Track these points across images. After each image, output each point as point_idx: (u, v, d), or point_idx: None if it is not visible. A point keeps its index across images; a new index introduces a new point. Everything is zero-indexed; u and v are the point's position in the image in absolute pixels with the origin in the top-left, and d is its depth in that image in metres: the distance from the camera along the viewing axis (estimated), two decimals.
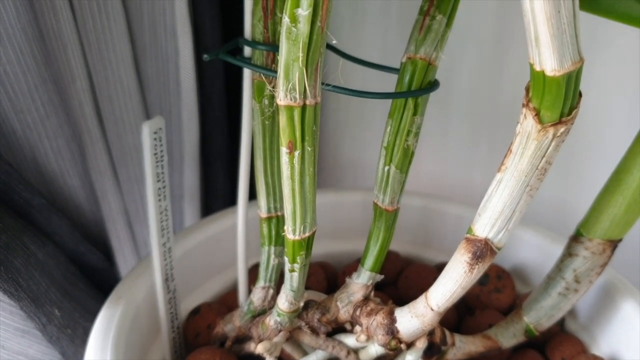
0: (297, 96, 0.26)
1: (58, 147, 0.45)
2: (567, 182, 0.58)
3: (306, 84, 0.26)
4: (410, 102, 0.32)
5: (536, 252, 0.47)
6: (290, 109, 0.26)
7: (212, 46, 0.48)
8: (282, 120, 0.27)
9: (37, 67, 0.41)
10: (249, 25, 0.33)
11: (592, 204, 0.36)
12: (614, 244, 0.36)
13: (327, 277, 0.48)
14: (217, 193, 0.58)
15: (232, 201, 0.42)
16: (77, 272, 0.47)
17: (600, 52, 0.51)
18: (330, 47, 0.28)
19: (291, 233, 0.31)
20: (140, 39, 0.46)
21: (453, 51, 0.55)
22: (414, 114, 0.33)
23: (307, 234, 0.31)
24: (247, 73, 0.35)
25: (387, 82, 0.33)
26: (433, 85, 0.32)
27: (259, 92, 0.34)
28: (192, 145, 0.52)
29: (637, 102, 0.51)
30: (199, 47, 0.48)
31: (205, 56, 0.33)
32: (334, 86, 0.30)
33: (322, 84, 0.27)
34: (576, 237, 0.37)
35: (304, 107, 0.26)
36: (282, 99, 0.26)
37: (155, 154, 0.34)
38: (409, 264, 0.50)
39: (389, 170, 0.34)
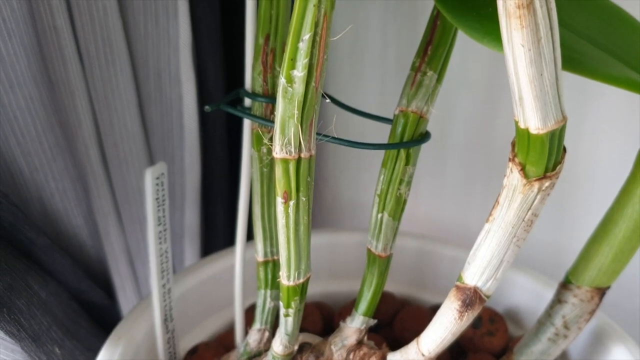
0: (293, 150, 0.27)
1: (64, 188, 0.46)
2: (560, 225, 0.59)
3: (301, 139, 0.27)
4: (403, 152, 0.33)
5: (529, 295, 0.48)
6: (285, 161, 0.27)
7: (214, 92, 0.50)
8: (278, 172, 0.28)
9: (46, 113, 0.42)
10: (250, 78, 0.34)
11: (581, 252, 0.37)
12: (602, 291, 0.37)
13: (323, 318, 0.48)
14: (217, 232, 0.59)
15: (232, 240, 0.43)
16: (79, 310, 0.48)
17: (591, 103, 0.52)
18: (329, 97, 0.30)
19: (286, 279, 0.31)
20: (145, 86, 0.48)
21: (448, 98, 0.57)
22: (406, 164, 0.34)
23: (301, 280, 0.31)
24: (247, 122, 0.36)
25: (386, 128, 0.34)
26: (424, 137, 0.34)
27: (257, 141, 0.35)
28: (193, 186, 0.53)
29: (627, 148, 0.52)
30: (202, 93, 0.50)
31: (207, 107, 0.34)
32: (330, 137, 0.31)
33: (318, 134, 0.29)
34: (565, 284, 0.38)
35: (299, 160, 0.27)
36: (278, 152, 0.27)
37: (157, 198, 0.35)
38: (404, 305, 0.50)
39: (382, 218, 0.35)
